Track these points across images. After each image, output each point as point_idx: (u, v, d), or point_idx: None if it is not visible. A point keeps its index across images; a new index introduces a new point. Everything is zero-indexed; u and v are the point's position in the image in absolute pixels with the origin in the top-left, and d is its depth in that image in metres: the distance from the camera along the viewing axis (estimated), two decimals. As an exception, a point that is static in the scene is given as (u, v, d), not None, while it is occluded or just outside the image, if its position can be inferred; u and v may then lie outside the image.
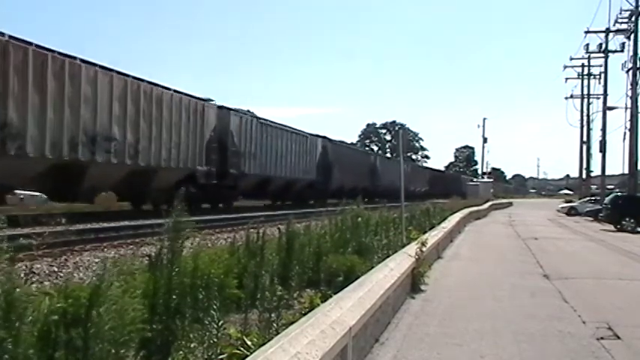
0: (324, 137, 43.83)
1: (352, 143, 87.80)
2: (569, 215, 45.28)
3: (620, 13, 38.36)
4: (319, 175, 40.65)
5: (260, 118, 32.51)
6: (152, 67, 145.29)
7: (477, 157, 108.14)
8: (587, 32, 44.90)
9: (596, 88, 49.37)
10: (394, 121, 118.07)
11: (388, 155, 71.03)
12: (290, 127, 37.07)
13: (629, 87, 35.05)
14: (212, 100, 27.43)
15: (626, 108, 36.68)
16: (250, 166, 30.31)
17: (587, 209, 41.21)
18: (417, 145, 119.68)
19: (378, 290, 6.21)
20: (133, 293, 3.64)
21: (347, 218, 10.32)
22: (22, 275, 3.26)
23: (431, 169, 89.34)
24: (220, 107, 27.96)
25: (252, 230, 7.37)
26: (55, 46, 17.70)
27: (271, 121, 34.05)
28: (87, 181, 19.36)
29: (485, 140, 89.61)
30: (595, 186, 53.69)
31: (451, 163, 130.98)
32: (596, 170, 49.73)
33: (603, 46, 44.16)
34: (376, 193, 47.92)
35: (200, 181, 25.30)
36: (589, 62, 50.45)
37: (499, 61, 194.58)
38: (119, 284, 3.52)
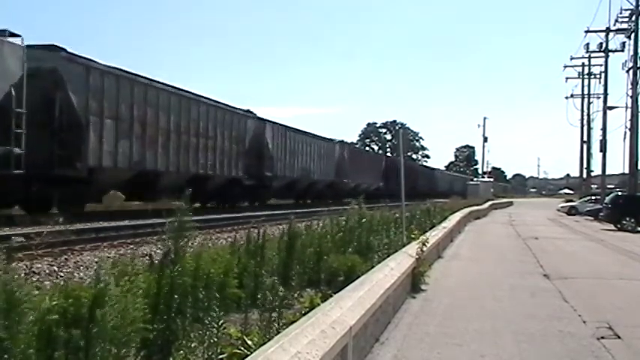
0: (59, 49, 18.68)
1: (352, 143, 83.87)
2: (569, 215, 45.25)
3: (621, 13, 38.40)
4: (41, 142, 17.25)
5: None
6: (152, 67, 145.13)
7: (478, 157, 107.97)
8: (587, 32, 44.95)
9: (597, 87, 49.40)
10: (394, 121, 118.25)
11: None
12: None
13: (630, 86, 35.03)
14: None
15: (626, 107, 36.73)
16: None
17: (588, 209, 41.19)
18: (417, 144, 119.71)
19: (379, 290, 6.20)
20: (135, 293, 3.64)
21: (349, 218, 10.32)
22: (22, 275, 3.27)
23: (388, 156, 67.46)
24: None
25: (252, 230, 7.37)
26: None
27: None
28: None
29: (485, 140, 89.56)
30: (595, 185, 53.68)
31: (451, 163, 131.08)
32: (596, 170, 49.81)
33: (603, 45, 44.17)
34: (264, 190, 33.07)
35: None
36: (589, 62, 50.42)
37: (499, 60, 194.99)
38: (121, 284, 3.52)
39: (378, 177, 55.30)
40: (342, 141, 49.24)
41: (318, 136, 43.72)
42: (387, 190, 49.80)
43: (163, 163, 23.65)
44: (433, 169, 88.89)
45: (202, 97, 26.93)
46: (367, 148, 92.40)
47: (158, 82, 23.51)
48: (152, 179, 23.13)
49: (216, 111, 28.02)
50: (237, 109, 30.76)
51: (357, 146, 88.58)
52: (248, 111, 32.15)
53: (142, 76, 22.59)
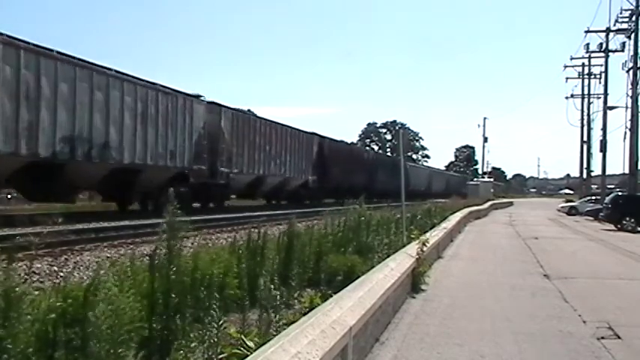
0: None
1: (353, 143, 71.69)
2: (569, 215, 45.26)
3: (621, 13, 38.43)
4: None
5: None
6: (152, 67, 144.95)
7: (478, 157, 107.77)
8: (587, 32, 44.99)
9: (597, 87, 49.42)
10: (395, 121, 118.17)
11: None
12: None
13: (630, 86, 35.04)
14: None
15: (626, 107, 36.72)
16: None
17: (588, 209, 41.19)
18: (417, 144, 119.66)
19: (379, 290, 6.20)
20: (132, 292, 3.64)
21: (349, 218, 10.32)
22: (22, 275, 3.26)
23: (324, 138, 41.91)
24: None
25: (252, 230, 7.37)
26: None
27: None
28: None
29: (485, 140, 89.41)
30: (595, 185, 53.67)
31: (451, 163, 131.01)
32: (596, 170, 49.77)
33: (604, 45, 44.19)
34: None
35: None
36: (589, 62, 50.47)
37: (499, 60, 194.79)
38: (117, 283, 3.51)
39: (306, 167, 37.55)
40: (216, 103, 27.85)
41: (143, 81, 21.98)
42: (322, 187, 37.39)
43: None
44: (396, 158, 64.30)
45: None
46: (367, 148, 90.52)
47: None
48: None
49: None
50: None
51: (359, 146, 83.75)
52: None
53: None
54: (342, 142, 47.03)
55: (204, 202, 26.94)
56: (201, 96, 26.31)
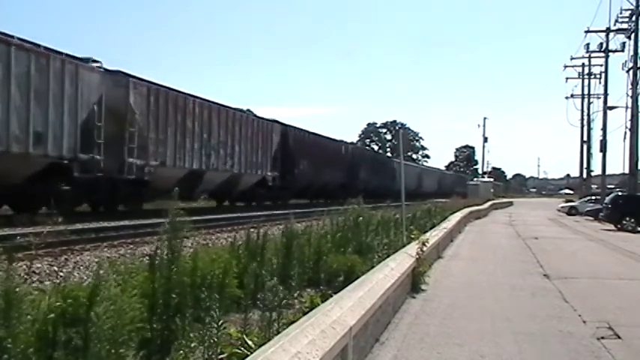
0: None
1: (352, 143, 66.13)
2: (569, 215, 45.27)
3: (621, 13, 38.42)
4: None
5: None
6: (152, 67, 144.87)
7: (478, 157, 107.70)
8: (587, 32, 45.01)
9: (597, 87, 49.42)
10: (394, 121, 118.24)
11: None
12: None
13: (630, 86, 35.03)
14: None
15: (626, 107, 36.71)
16: None
17: (588, 209, 41.20)
18: (417, 144, 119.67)
19: (379, 290, 6.20)
20: (132, 292, 3.64)
21: (349, 218, 10.32)
22: (22, 275, 3.27)
23: (288, 127, 35.21)
24: None
25: (252, 230, 7.38)
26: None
27: None
28: None
29: (485, 140, 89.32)
30: (595, 185, 53.69)
31: (451, 163, 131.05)
32: (596, 170, 49.79)
33: (604, 45, 44.19)
34: None
35: None
36: (589, 62, 50.47)
37: (499, 60, 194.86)
38: (118, 283, 3.52)
39: (263, 161, 31.16)
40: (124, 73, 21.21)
41: None
42: (285, 185, 32.34)
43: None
44: (389, 157, 61.83)
45: None
46: (367, 148, 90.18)
47: None
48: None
49: None
50: None
51: (358, 146, 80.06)
52: None
53: None
54: (312, 132, 38.62)
55: (110, 204, 20.97)
56: (95, 61, 19.77)
